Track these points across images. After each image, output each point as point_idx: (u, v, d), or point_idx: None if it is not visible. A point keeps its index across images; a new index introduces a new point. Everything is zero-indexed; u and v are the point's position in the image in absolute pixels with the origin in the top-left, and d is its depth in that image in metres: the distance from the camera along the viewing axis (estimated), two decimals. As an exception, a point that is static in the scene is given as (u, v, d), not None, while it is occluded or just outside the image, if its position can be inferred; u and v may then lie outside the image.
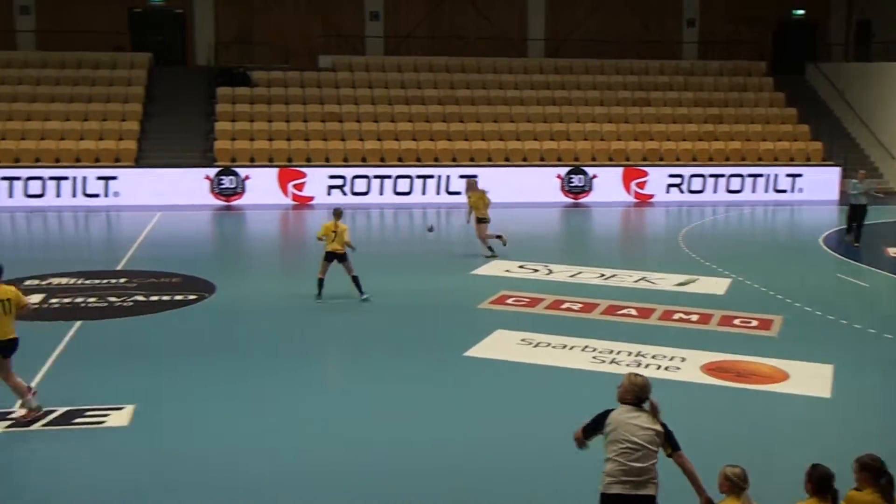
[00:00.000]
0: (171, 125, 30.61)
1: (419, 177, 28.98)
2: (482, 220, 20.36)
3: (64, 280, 17.78)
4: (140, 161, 28.75)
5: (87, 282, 17.68)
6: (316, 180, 28.49)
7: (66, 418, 10.90)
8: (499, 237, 20.60)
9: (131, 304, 16.27)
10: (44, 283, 17.56)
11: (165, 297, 16.66)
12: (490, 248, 20.50)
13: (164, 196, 27.44)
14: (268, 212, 27.18)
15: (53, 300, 16.35)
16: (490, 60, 35.09)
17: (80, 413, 11.04)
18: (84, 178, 27.28)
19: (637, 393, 7.05)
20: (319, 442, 10.46)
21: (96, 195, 27.32)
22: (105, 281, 17.78)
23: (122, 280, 17.92)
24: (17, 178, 26.97)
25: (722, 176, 30.52)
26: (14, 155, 27.91)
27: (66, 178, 27.23)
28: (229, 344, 14.23)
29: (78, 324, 14.95)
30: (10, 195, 26.86)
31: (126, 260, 19.86)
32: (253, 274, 19.30)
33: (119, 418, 10.96)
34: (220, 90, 31.75)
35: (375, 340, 14.45)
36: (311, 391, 12.12)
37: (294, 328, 15.19)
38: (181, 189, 27.69)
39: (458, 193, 29.01)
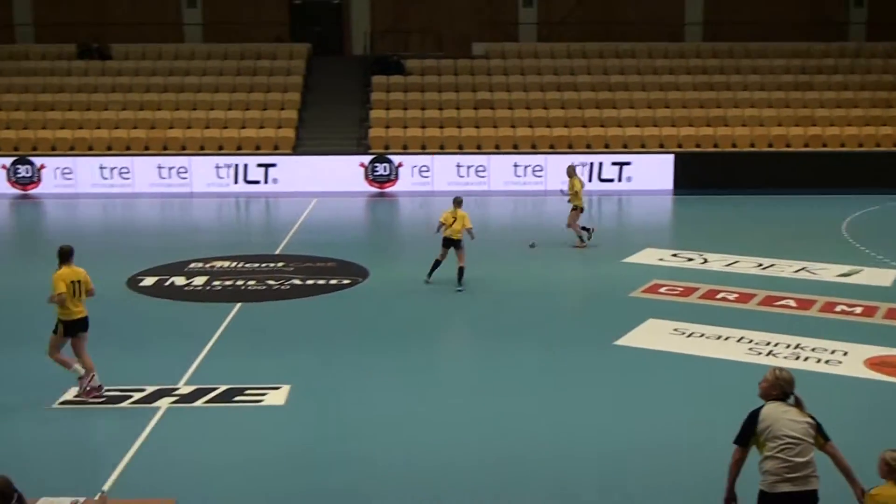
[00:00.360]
0: (327, 113, 31.33)
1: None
2: (577, 208, 20.10)
3: (226, 263, 18.48)
4: (297, 149, 29.57)
5: (248, 265, 18.31)
6: (463, 168, 28.59)
7: (226, 396, 11.34)
8: (587, 230, 20.23)
9: (288, 287, 16.76)
10: (207, 265, 18.29)
11: (321, 281, 17.09)
12: (581, 238, 20.12)
13: (320, 183, 28.15)
14: (419, 198, 27.50)
15: (216, 282, 17.01)
16: (645, 45, 34.44)
17: (240, 391, 11.46)
18: (245, 166, 28.25)
19: (783, 387, 6.87)
20: (468, 430, 10.52)
21: (256, 182, 28.24)
22: (264, 265, 18.38)
23: (280, 264, 18.49)
24: (179, 167, 28.12)
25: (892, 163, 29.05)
26: (181, 143, 29.16)
27: (229, 166, 28.25)
28: (381, 328, 14.48)
29: (238, 305, 15.51)
30: (158, 178, 28.03)
31: (284, 244, 20.47)
32: (406, 259, 19.56)
33: (276, 397, 11.32)
34: (375, 79, 32.29)
35: (527, 327, 14.44)
36: (461, 378, 12.21)
37: (445, 315, 15.33)
38: (336, 176, 28.32)
39: (610, 181, 28.67)
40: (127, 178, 27.96)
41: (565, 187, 20.52)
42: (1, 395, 11.51)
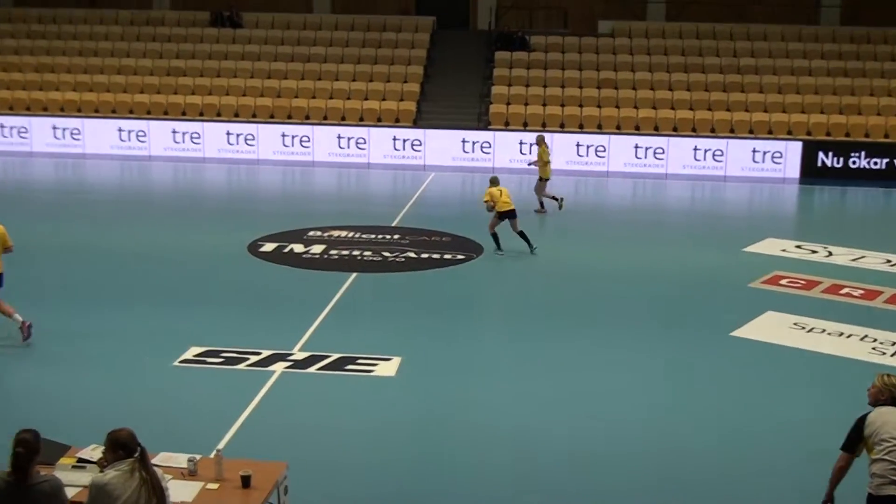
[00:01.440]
0: (449, 88, 31.40)
1: (696, 148, 28.10)
2: (542, 179, 21.46)
3: (343, 233, 18.77)
4: (418, 122, 29.75)
5: (364, 236, 18.57)
6: (583, 147, 28.31)
7: (339, 364, 11.56)
8: (555, 199, 21.58)
9: (403, 259, 16.94)
10: (325, 234, 18.63)
11: (435, 256, 17.21)
12: (541, 204, 21.65)
13: (438, 156, 28.27)
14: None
15: (333, 251, 17.31)
16: (778, 28, 33.35)
17: (352, 360, 11.67)
18: (366, 137, 28.54)
19: (893, 392, 6.83)
20: (573, 415, 10.48)
21: (376, 153, 28.52)
22: (380, 236, 18.60)
23: (396, 236, 18.68)
24: (302, 136, 28.62)
25: None
26: (304, 112, 29.68)
27: (352, 137, 28.61)
28: (493, 306, 14.52)
29: (354, 275, 15.76)
30: (281, 146, 28.55)
31: (400, 217, 20.67)
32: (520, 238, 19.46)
33: (386, 368, 11.48)
34: (498, 54, 32.18)
35: (641, 314, 14.27)
36: (570, 361, 12.14)
37: (559, 295, 15.25)
38: (455, 150, 28.39)
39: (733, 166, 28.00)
40: (251, 145, 28.61)
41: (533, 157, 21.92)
42: (126, 352, 11.98)
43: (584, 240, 19.12)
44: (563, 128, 29.13)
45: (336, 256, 17.01)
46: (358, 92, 30.49)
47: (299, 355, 11.83)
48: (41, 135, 28.98)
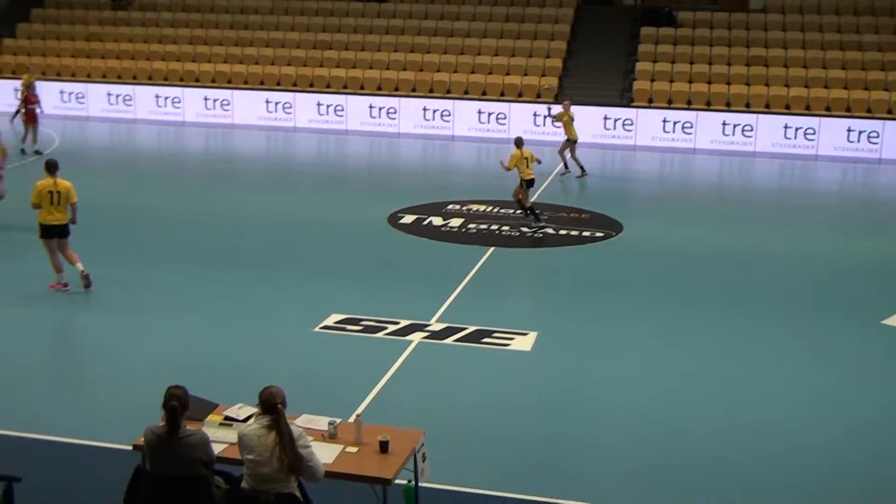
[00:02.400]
0: (592, 63, 31.00)
1: (850, 129, 26.97)
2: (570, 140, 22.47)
3: (482, 207, 18.81)
4: (559, 98, 29.48)
5: (503, 211, 18.56)
6: (729, 126, 27.51)
7: (475, 336, 11.62)
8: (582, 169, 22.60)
9: (541, 235, 16.86)
10: (464, 208, 18.71)
11: (574, 232, 17.08)
12: (566, 166, 22.80)
13: (579, 133, 27.91)
14: (680, 155, 26.78)
15: (471, 225, 17.37)
16: (944, 3, 31.60)
17: (488, 333, 11.70)
18: (505, 112, 28.48)
19: None
20: (705, 400, 10.25)
21: (514, 127, 28.43)
22: (519, 211, 18.54)
23: (536, 211, 18.57)
24: (443, 110, 28.76)
25: None
26: (446, 87, 29.81)
27: (492, 113, 28.60)
28: (630, 285, 14.30)
29: (491, 249, 15.79)
30: (422, 120, 28.71)
31: (539, 192, 20.56)
32: (662, 217, 19.12)
33: (522, 343, 11.48)
34: (644, 30, 31.55)
35: (785, 297, 13.82)
36: (705, 345, 11.86)
37: (695, 276, 14.92)
38: (596, 127, 28.03)
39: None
40: (393, 119, 28.95)
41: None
42: (270, 317, 12.34)
43: (730, 222, 18.60)
44: (709, 106, 28.40)
45: (474, 230, 17.07)
46: (500, 67, 30.43)
47: (436, 326, 11.94)
48: (193, 105, 30.04)
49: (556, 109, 23.56)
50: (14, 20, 34.94)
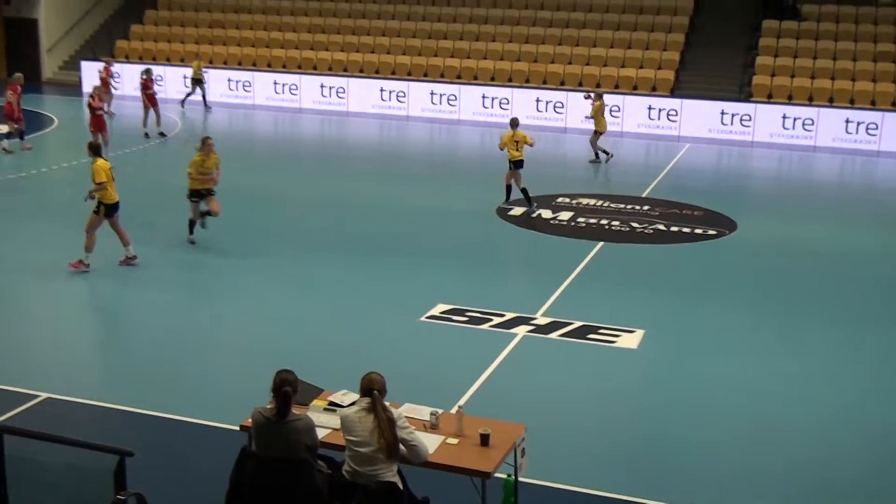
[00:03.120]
0: (710, 57, 30.33)
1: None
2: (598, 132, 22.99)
3: (592, 201, 18.64)
4: (676, 91, 28.97)
5: (613, 205, 18.36)
6: (853, 123, 26.58)
7: (580, 332, 11.53)
8: (606, 152, 23.04)
9: (652, 231, 16.62)
10: (573, 201, 18.56)
11: (686, 229, 16.77)
12: (597, 154, 23.07)
13: (694, 127, 27.46)
14: (798, 153, 26.02)
15: (580, 219, 17.23)
16: None
17: (594, 329, 11.60)
18: (619, 105, 28.10)
19: None
20: (808, 398, 9.96)
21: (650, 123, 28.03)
22: (629, 206, 18.33)
23: (646, 207, 18.34)
24: (556, 102, 28.56)
25: None
26: (560, 78, 29.60)
27: (607, 105, 28.17)
28: (743, 285, 13.97)
29: (600, 244, 15.63)
30: (535, 111, 28.53)
31: (651, 188, 20.26)
32: (778, 215, 18.60)
33: (628, 340, 11.34)
34: (766, 23, 30.70)
35: (904, 304, 13.33)
36: (816, 350, 11.51)
37: (809, 276, 14.48)
38: (713, 122, 27.45)
39: None
40: (505, 109, 28.89)
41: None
42: (377, 304, 12.49)
43: (850, 222, 18.02)
44: (831, 103, 27.51)
45: (583, 224, 16.93)
46: (615, 59, 30.06)
47: (542, 320, 11.89)
48: (309, 92, 30.56)
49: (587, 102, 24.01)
50: (141, 7, 36.12)
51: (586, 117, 24.35)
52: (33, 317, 11.96)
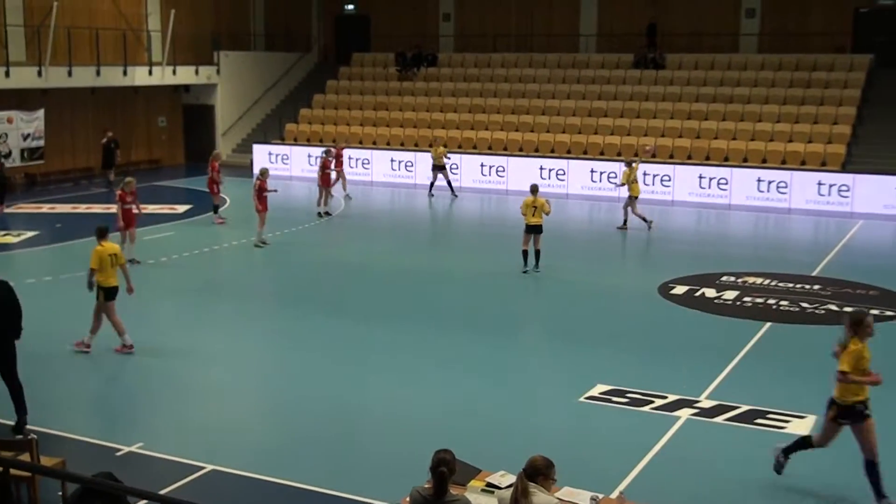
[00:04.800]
0: (886, 130, 29.15)
1: None
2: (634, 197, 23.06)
3: (758, 280, 18.00)
4: (847, 166, 27.92)
5: (781, 284, 17.67)
6: None
7: (748, 416, 11.04)
8: (644, 219, 23.16)
9: (823, 312, 15.87)
10: (738, 280, 17.97)
11: (860, 310, 15.92)
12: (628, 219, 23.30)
13: (868, 203, 26.30)
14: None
15: (746, 298, 16.64)
16: None
17: (763, 414, 11.09)
18: (787, 181, 27.23)
19: None
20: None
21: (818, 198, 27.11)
22: (798, 285, 17.61)
23: (817, 286, 17.57)
24: (720, 178, 27.94)
25: None
26: (724, 154, 29.01)
27: (772, 181, 27.42)
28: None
29: (767, 325, 15.03)
30: (698, 188, 27.94)
31: (822, 266, 19.43)
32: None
33: (800, 426, 10.78)
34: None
35: None
36: None
37: None
38: (888, 197, 26.22)
39: None
40: (667, 185, 28.47)
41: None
42: (536, 384, 12.34)
43: None
44: None
45: (750, 304, 16.34)
46: (781, 134, 29.29)
47: (706, 403, 11.46)
48: (469, 172, 30.93)
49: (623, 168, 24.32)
50: (310, 92, 37.73)
51: (618, 185, 24.43)
52: (196, 390, 12.36)
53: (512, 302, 16.84)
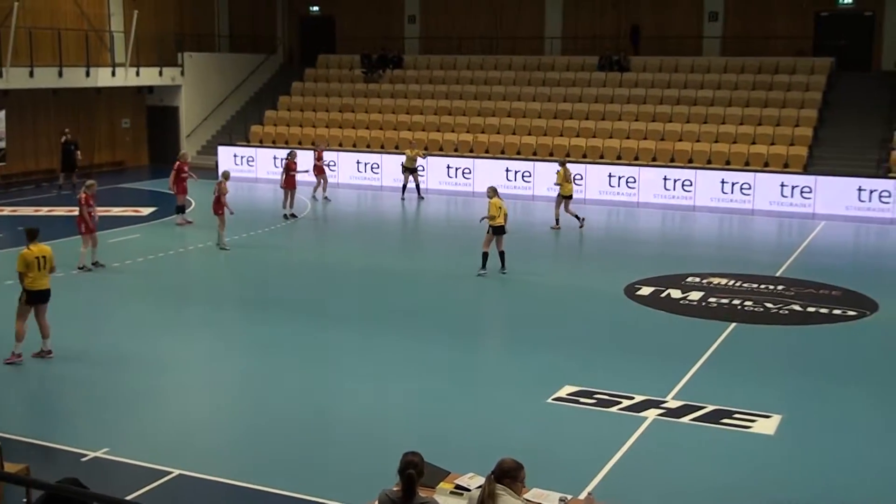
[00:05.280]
0: (845, 133, 29.53)
1: None
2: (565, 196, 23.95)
3: (723, 281, 18.15)
4: (808, 168, 28.24)
5: (745, 285, 17.83)
6: None
7: (714, 416, 11.13)
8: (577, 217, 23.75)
9: (787, 312, 16.04)
10: (703, 281, 18.12)
11: (823, 310, 16.13)
12: (556, 220, 24.01)
13: (830, 205, 26.62)
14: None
15: (712, 299, 16.78)
16: None
17: (728, 414, 11.18)
18: (750, 182, 27.51)
19: None
20: None
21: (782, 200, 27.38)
22: (762, 286, 17.78)
23: (780, 287, 17.75)
24: (684, 180, 28.18)
25: None
26: (688, 156, 29.25)
27: (735, 182, 27.67)
28: (884, 367, 13.30)
29: (732, 325, 15.16)
30: (662, 189, 28.15)
31: (785, 267, 19.63)
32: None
33: (765, 426, 10.89)
34: (905, 97, 29.79)
35: None
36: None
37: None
38: (849, 199, 26.55)
39: None
40: (632, 188, 28.66)
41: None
42: (503, 385, 12.37)
43: None
44: (978, 177, 26.31)
45: (715, 304, 16.47)
46: (745, 136, 29.57)
47: (672, 403, 11.54)
48: (436, 173, 30.92)
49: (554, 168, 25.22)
50: (275, 94, 37.56)
51: (556, 184, 24.51)
52: (161, 394, 12.27)
53: (479, 303, 16.87)
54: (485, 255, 18.31)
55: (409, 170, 28.78)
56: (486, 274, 18.15)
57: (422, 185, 29.25)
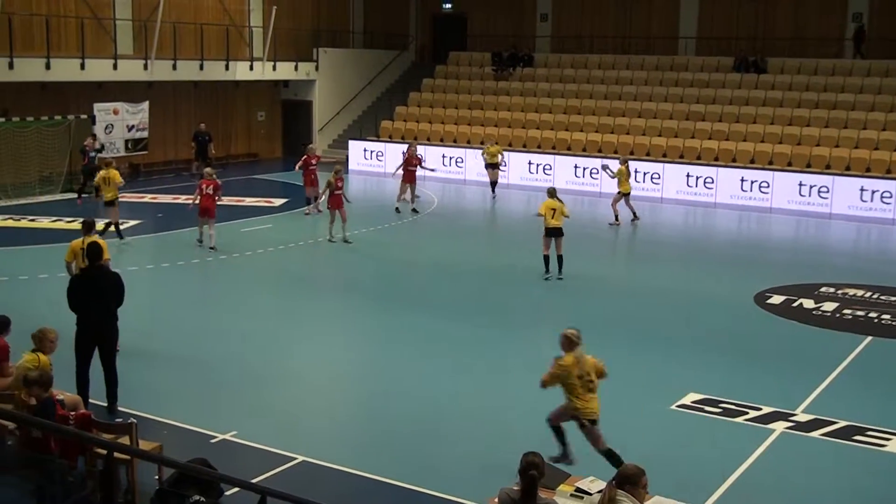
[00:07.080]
0: None
1: None
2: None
3: (860, 292, 17.47)
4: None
5: (883, 297, 17.13)
6: None
7: (845, 432, 10.75)
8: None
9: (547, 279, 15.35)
10: (839, 291, 17.48)
11: (967, 327, 15.37)
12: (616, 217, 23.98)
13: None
14: None
15: (846, 311, 16.18)
16: None
17: (861, 431, 10.78)
18: (892, 191, 26.41)
19: None
20: None
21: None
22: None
23: (921, 301, 17.00)
24: (821, 186, 27.24)
25: None
26: (825, 162, 28.26)
27: (876, 190, 26.59)
28: None
29: (868, 339, 14.60)
30: (797, 196, 27.26)
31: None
32: None
33: (901, 445, 10.44)
34: None
35: None
36: None
37: None
38: None
39: None
40: (765, 192, 27.87)
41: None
42: (626, 390, 12.21)
43: None
44: None
45: (850, 316, 15.88)
46: (887, 142, 28.38)
47: (802, 417, 11.18)
48: (563, 172, 30.74)
49: (615, 165, 24.87)
50: (406, 89, 38.00)
51: (612, 176, 24.60)
52: (288, 381, 12.55)
53: (602, 305, 16.66)
54: (545, 258, 17.89)
55: (492, 165, 28.73)
56: (550, 278, 17.86)
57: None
